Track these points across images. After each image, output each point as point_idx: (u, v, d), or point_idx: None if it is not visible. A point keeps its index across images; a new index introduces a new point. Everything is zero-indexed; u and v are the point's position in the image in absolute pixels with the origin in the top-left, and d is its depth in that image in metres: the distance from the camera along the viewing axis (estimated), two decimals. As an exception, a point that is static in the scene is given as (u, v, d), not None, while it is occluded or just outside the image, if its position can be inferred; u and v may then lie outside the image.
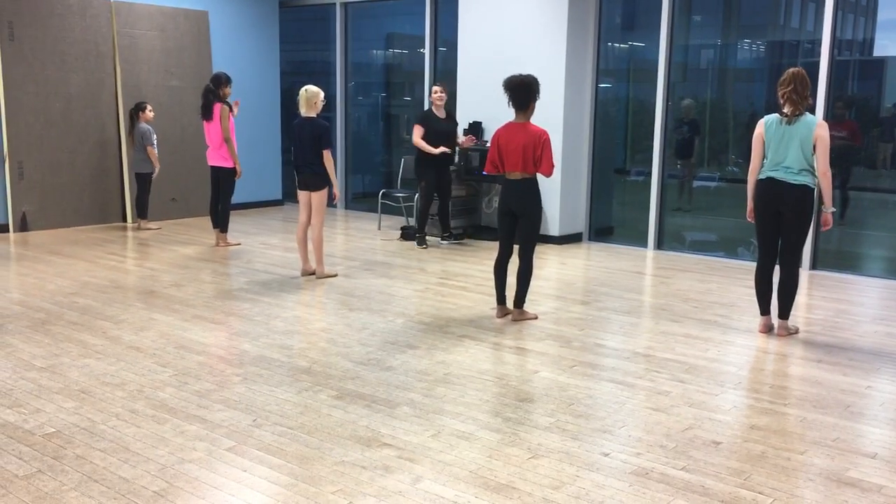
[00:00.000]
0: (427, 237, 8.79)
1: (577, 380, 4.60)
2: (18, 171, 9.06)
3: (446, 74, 10.08)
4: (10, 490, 3.23)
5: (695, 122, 9.08)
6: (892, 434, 3.92)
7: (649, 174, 8.62)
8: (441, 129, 8.45)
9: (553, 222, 8.83)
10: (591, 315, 6.04)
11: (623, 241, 9.02)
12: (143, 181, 9.40)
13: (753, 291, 5.64)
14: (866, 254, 8.43)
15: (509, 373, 4.78)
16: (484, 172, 6.17)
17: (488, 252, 8.09)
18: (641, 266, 7.94)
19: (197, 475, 3.37)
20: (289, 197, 11.46)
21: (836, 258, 7.97)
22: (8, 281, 6.91)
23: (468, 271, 7.48)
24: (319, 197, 6.93)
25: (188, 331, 5.48)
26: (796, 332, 5.60)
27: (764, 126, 5.37)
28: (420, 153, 8.45)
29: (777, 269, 5.50)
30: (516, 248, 5.80)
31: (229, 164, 8.30)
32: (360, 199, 11.76)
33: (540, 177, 5.69)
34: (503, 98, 5.67)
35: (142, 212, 9.52)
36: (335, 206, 10.98)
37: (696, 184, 9.30)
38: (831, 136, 5.27)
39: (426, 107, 8.63)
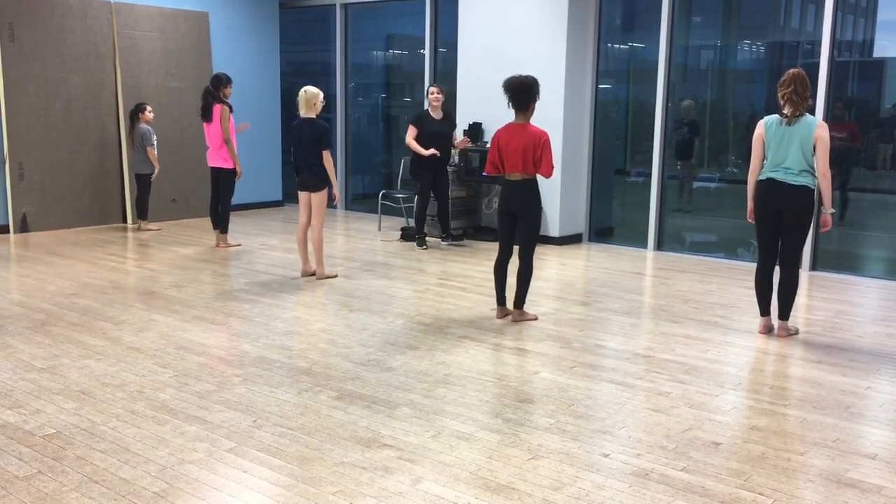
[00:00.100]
0: (427, 238, 8.80)
1: (577, 381, 4.60)
2: (19, 172, 9.06)
3: (446, 75, 10.08)
4: (10, 491, 3.23)
5: (695, 123, 9.08)
6: (892, 435, 3.92)
7: (649, 175, 8.63)
8: (435, 130, 8.44)
9: (553, 223, 8.83)
10: (591, 316, 6.04)
11: (623, 241, 9.02)
12: (143, 182, 9.41)
13: (753, 292, 5.65)
14: (866, 255, 8.44)
15: (509, 374, 4.79)
16: (484, 173, 6.17)
17: (488, 253, 8.09)
18: (641, 267, 7.94)
19: (197, 476, 3.38)
20: (289, 198, 11.46)
21: (836, 259, 7.98)
22: (8, 282, 6.91)
23: (468, 272, 7.48)
24: (319, 198, 6.93)
25: (188, 332, 5.48)
26: (796, 332, 5.60)
27: (764, 127, 5.37)
28: (415, 154, 8.46)
29: (777, 269, 5.50)
30: (516, 248, 5.81)
31: (229, 165, 8.31)
32: (360, 200, 11.77)
33: (540, 178, 5.70)
34: (503, 99, 5.67)
35: (142, 213, 9.53)
36: (335, 207, 10.98)
37: (696, 185, 9.31)
38: (831, 137, 5.27)
39: (426, 107, 8.63)
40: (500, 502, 3.18)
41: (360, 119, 12.11)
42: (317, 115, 6.93)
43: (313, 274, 7.14)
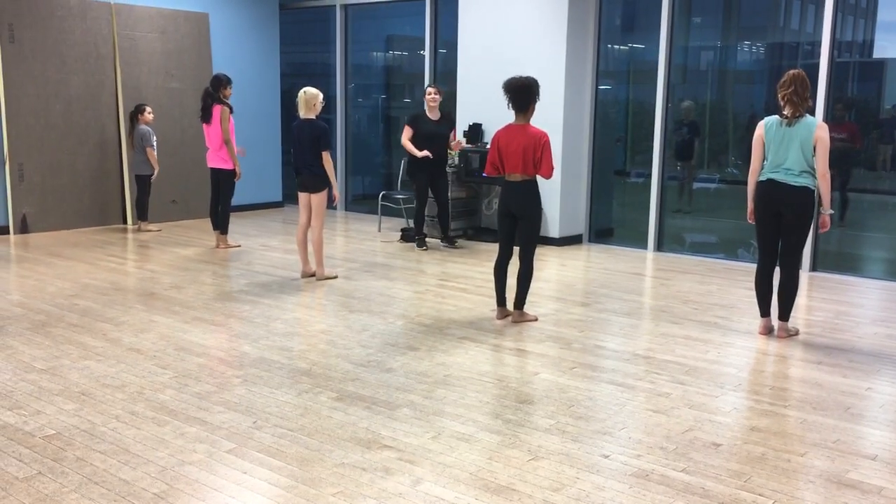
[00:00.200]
0: (427, 238, 8.80)
1: (577, 381, 4.60)
2: (19, 173, 9.06)
3: (446, 76, 10.08)
4: (10, 492, 3.23)
5: (695, 124, 9.08)
6: (892, 436, 3.92)
7: (649, 176, 8.63)
8: (430, 131, 8.43)
9: (553, 224, 8.83)
10: (591, 317, 6.04)
11: (623, 242, 9.02)
12: (142, 183, 9.41)
13: (753, 293, 5.64)
14: (866, 255, 8.44)
15: (509, 374, 4.78)
16: (484, 174, 6.17)
17: (488, 254, 8.09)
18: (641, 268, 7.94)
19: (197, 477, 3.37)
20: (289, 199, 11.46)
21: (836, 260, 7.98)
22: (8, 283, 6.91)
23: (468, 273, 7.48)
24: (319, 199, 6.93)
25: (188, 333, 5.48)
26: (796, 333, 5.60)
27: (764, 128, 5.37)
28: (411, 155, 8.46)
29: (777, 270, 5.50)
30: (516, 249, 5.81)
31: (229, 166, 8.31)
32: (360, 201, 11.77)
33: (540, 178, 5.70)
34: (503, 99, 5.67)
35: (142, 214, 9.53)
36: (335, 208, 10.98)
37: (696, 185, 9.31)
38: (831, 138, 5.27)
39: (424, 108, 8.63)
40: (500, 503, 3.18)
41: (359, 120, 12.12)
42: (316, 116, 6.93)
43: (313, 275, 7.14)
